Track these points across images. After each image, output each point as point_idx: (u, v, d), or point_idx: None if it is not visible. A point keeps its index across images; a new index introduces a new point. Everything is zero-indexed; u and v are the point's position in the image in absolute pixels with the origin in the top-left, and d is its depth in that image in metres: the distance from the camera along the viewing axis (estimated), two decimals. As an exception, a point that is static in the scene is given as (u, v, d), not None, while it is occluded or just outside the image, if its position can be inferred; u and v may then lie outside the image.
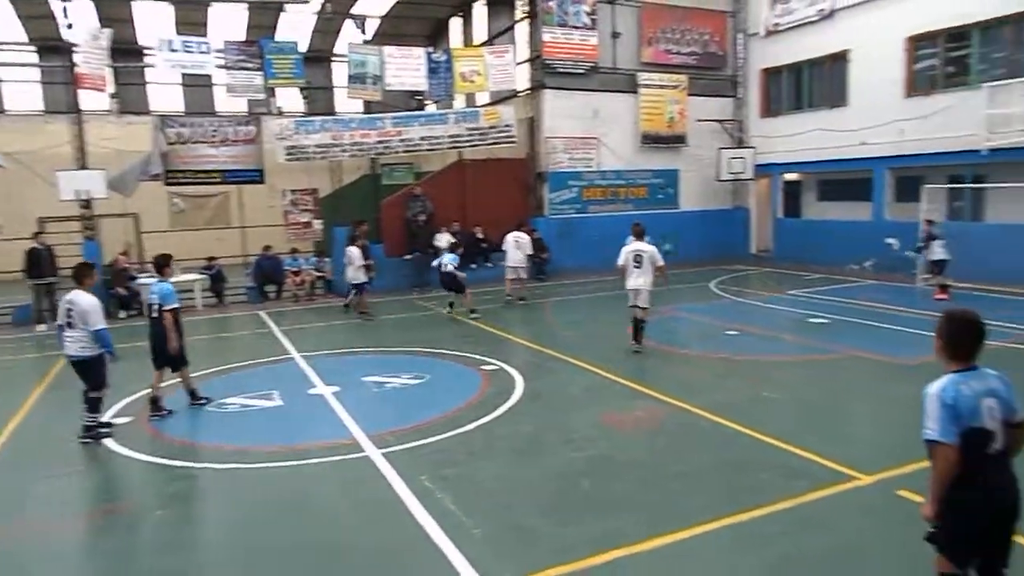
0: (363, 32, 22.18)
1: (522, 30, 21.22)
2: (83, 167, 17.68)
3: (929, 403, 3.19)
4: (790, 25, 20.42)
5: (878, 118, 17.86)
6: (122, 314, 15.61)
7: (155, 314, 8.21)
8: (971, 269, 14.82)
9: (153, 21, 23.57)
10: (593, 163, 20.53)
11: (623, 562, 4.57)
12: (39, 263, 14.76)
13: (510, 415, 7.81)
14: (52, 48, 22.72)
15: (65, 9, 17.58)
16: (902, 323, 11.89)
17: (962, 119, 15.69)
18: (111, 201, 17.97)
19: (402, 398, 8.84)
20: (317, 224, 20.33)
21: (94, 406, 7.44)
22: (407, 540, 5.02)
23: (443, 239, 18.41)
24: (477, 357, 10.55)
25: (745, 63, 22.06)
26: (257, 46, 18.32)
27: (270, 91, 20.59)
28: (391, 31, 26.35)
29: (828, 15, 19.19)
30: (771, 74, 21.66)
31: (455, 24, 27.72)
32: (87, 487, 6.60)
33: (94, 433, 7.41)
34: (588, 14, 19.79)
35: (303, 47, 20.80)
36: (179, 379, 8.56)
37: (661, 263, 10.39)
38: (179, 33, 20.89)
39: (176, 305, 8.28)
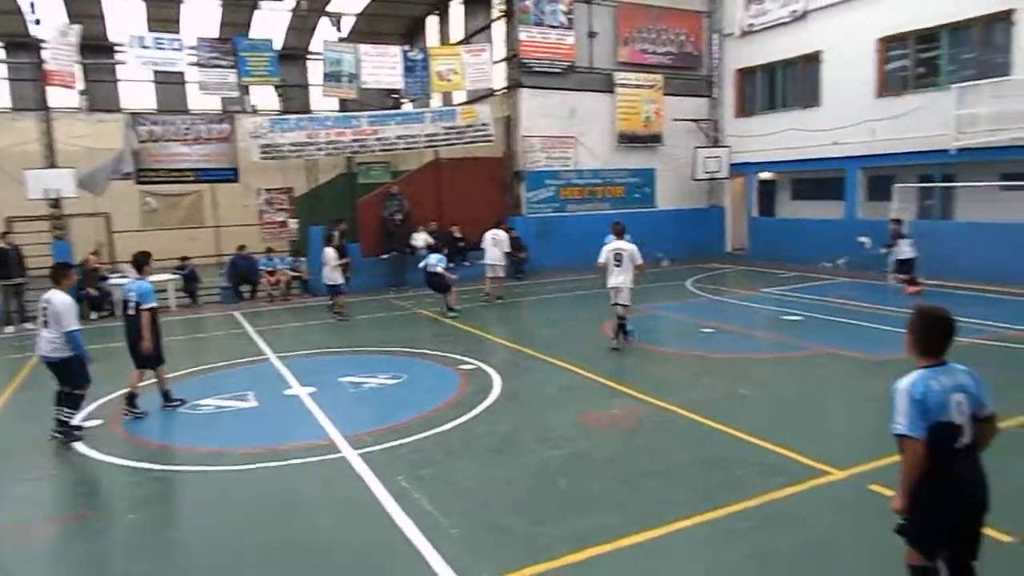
0: (338, 30, 22.06)
1: (499, 29, 21.21)
2: (52, 165, 17.34)
3: (898, 398, 3.24)
4: (764, 26, 20.64)
5: (850, 118, 18.12)
6: (93, 315, 15.34)
7: (131, 312, 8.13)
8: (941, 266, 15.10)
9: (124, 17, 23.20)
10: (570, 162, 20.59)
11: (600, 560, 4.59)
12: (7, 263, 14.47)
13: (487, 414, 7.80)
14: (19, 44, 22.18)
15: (32, 5, 17.25)
16: (874, 320, 12.08)
17: (932, 119, 15.97)
18: (81, 200, 17.64)
19: (379, 398, 8.79)
20: (292, 223, 20.15)
21: (74, 403, 7.39)
22: (384, 541, 4.99)
23: (420, 238, 18.36)
24: (455, 356, 10.53)
25: (720, 63, 22.25)
26: (231, 43, 18.13)
27: (244, 89, 20.39)
28: (367, 29, 26.20)
29: (801, 16, 19.43)
30: (746, 74, 21.87)
31: (431, 22, 27.63)
32: (58, 491, 6.48)
33: (67, 429, 7.32)
34: (565, 13, 19.83)
35: (278, 45, 20.62)
36: (154, 380, 8.45)
37: (640, 262, 10.46)
38: (151, 30, 20.63)
39: (154, 304, 8.24)
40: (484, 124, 19.52)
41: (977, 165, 15.64)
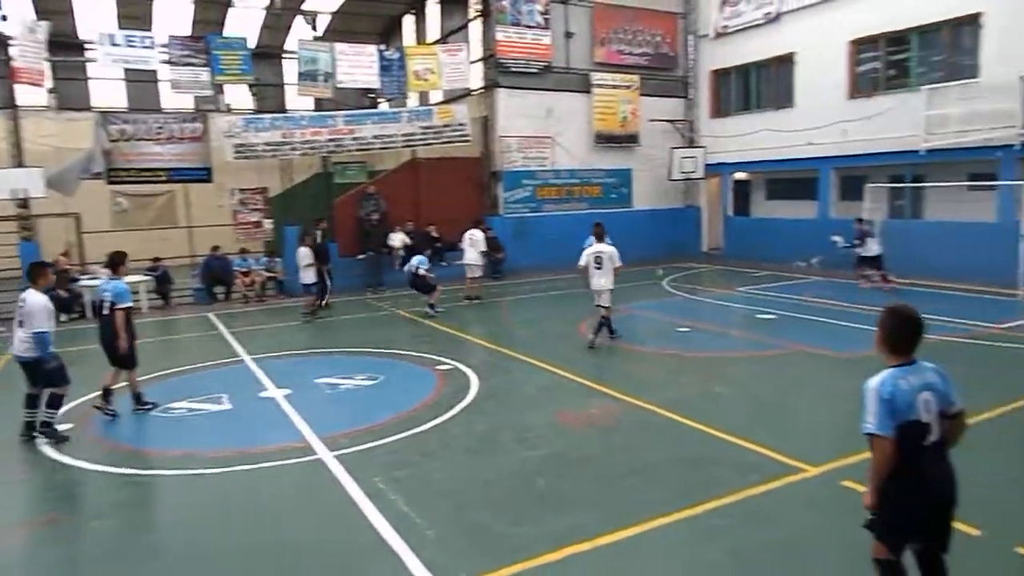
0: (314, 28, 21.81)
1: (475, 29, 21.20)
2: (20, 164, 16.97)
3: (868, 397, 3.29)
4: (738, 28, 20.83)
5: (823, 119, 18.35)
6: (63, 317, 15.02)
7: (106, 312, 8.04)
8: (911, 265, 15.37)
9: (94, 14, 22.81)
10: (547, 162, 20.62)
11: (578, 559, 4.60)
12: (-28, 265, 14.16)
13: (465, 415, 7.78)
14: (-15, 41, 21.79)
15: (-1, 0, 16.87)
16: (846, 318, 12.23)
17: (902, 120, 16.23)
18: (51, 200, 17.32)
19: (356, 400, 8.73)
20: (267, 224, 19.94)
21: (57, 403, 7.33)
22: (361, 543, 4.96)
23: (397, 238, 18.30)
24: (432, 357, 10.49)
25: (695, 64, 22.42)
26: (204, 41, 17.90)
27: (218, 88, 20.13)
28: (342, 28, 26.04)
29: (774, 18, 19.64)
30: (720, 75, 22.06)
31: (408, 22, 27.54)
32: (27, 496, 6.34)
33: (52, 431, 7.29)
34: (541, 13, 19.85)
35: (252, 43, 20.40)
36: (126, 382, 8.32)
37: (619, 264, 10.68)
38: (121, 27, 20.28)
39: (130, 304, 8.17)
40: (461, 124, 19.48)
41: (946, 165, 15.93)
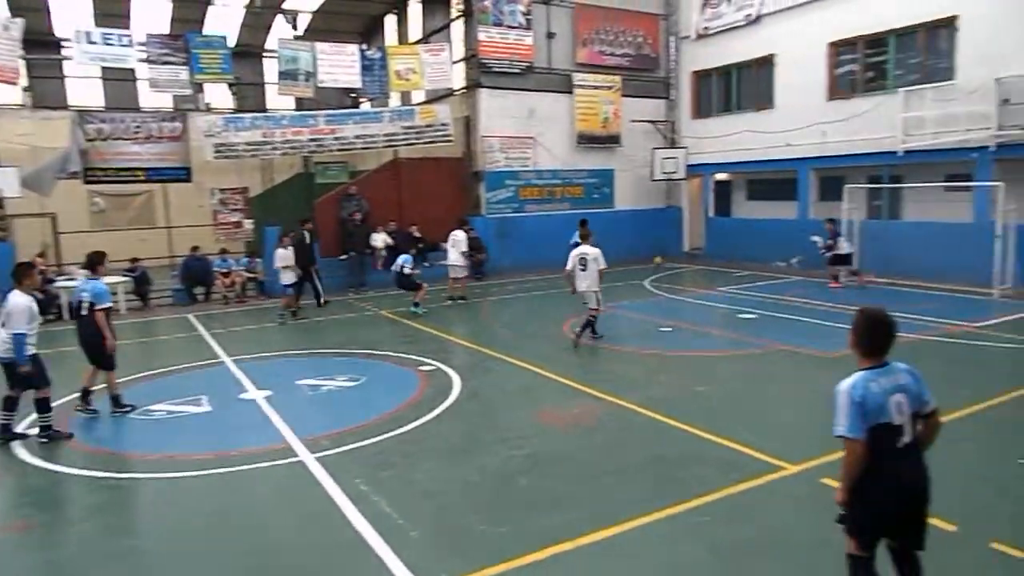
0: (294, 28, 21.75)
1: (457, 29, 21.16)
2: (-6, 164, 16.73)
3: (839, 400, 3.33)
4: (719, 29, 20.97)
5: (802, 120, 18.53)
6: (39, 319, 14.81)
7: (84, 312, 7.96)
8: (890, 265, 15.57)
9: (70, 12, 22.50)
10: (529, 162, 20.63)
11: (561, 558, 4.61)
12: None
13: (447, 415, 7.77)
14: (-42, 38, 21.40)
15: (-28, -3, 16.60)
16: (826, 317, 12.36)
17: (880, 122, 16.44)
18: (26, 200, 17.06)
19: (337, 401, 8.69)
20: (248, 224, 19.78)
21: (43, 406, 7.29)
22: (343, 545, 4.93)
23: (379, 239, 18.23)
24: (414, 358, 10.46)
25: (677, 65, 22.54)
26: (183, 40, 17.72)
27: (197, 86, 19.94)
28: (323, 27, 25.90)
29: (755, 20, 19.79)
30: (702, 76, 22.19)
31: (390, 21, 27.41)
32: (0, 501, 6.26)
33: (52, 432, 7.27)
34: (523, 14, 19.87)
35: (232, 42, 20.21)
36: (104, 383, 8.22)
37: (603, 266, 10.81)
38: (98, 25, 20.02)
39: (109, 304, 8.12)
40: (443, 124, 19.46)
41: (923, 166, 16.14)
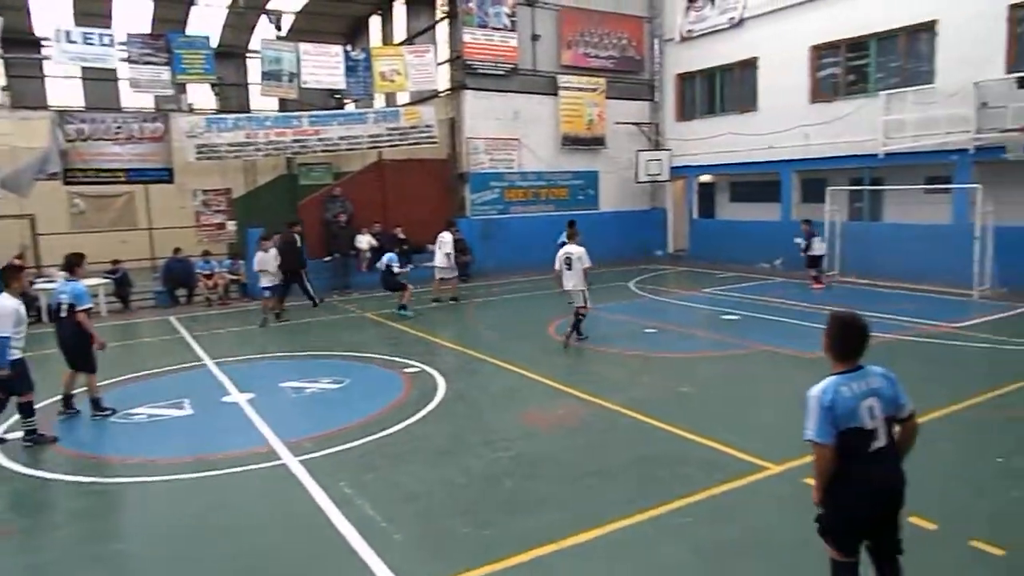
0: (278, 28, 21.55)
1: (442, 30, 21.14)
2: (-29, 165, 16.50)
3: (809, 404, 3.34)
4: (703, 32, 21.10)
5: (785, 123, 18.68)
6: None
7: (63, 314, 7.88)
8: (870, 266, 15.72)
9: (50, 10, 22.24)
10: (514, 164, 20.64)
11: (546, 560, 4.61)
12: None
13: (432, 417, 7.76)
14: (-65, 37, 21.10)
15: (-51, -5, 16.37)
16: (809, 318, 12.42)
17: (861, 124, 16.61)
18: (4, 201, 16.84)
19: (321, 403, 8.64)
20: (231, 225, 19.63)
21: (26, 411, 7.23)
22: (327, 548, 4.90)
23: (364, 240, 18.16)
24: (399, 360, 10.43)
25: (661, 68, 22.65)
26: (165, 40, 17.56)
27: (179, 87, 19.77)
28: (307, 27, 25.79)
29: (738, 23, 19.93)
30: (686, 79, 22.32)
31: (374, 22, 27.35)
32: (-24, 508, 6.16)
33: (37, 436, 7.20)
34: (508, 16, 19.88)
35: (215, 42, 20.08)
36: (84, 387, 8.13)
37: (587, 265, 10.84)
38: (78, 24, 19.76)
39: (90, 305, 8.07)
40: (428, 125, 19.41)
41: (904, 169, 16.32)
